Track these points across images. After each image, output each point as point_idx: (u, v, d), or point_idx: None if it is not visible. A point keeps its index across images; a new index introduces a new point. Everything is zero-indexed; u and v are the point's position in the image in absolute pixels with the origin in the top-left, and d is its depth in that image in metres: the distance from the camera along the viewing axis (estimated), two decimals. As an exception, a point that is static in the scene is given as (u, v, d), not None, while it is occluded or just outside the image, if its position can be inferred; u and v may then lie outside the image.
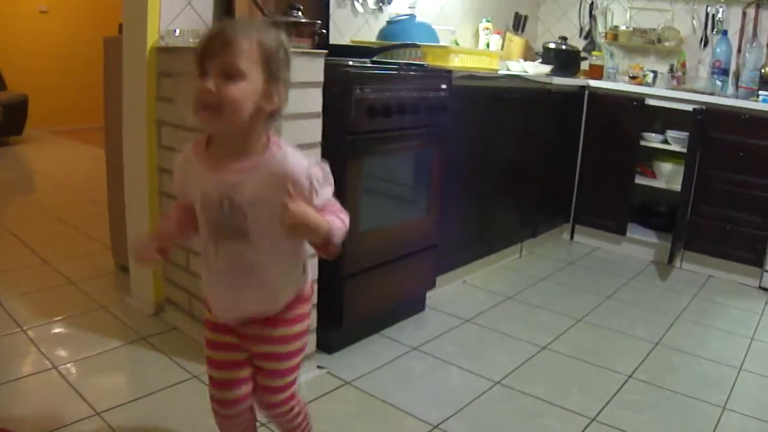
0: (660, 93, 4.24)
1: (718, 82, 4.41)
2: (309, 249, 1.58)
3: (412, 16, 3.81)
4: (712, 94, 4.18)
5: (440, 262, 3.26)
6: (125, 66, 2.87)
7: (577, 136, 4.58)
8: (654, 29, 4.79)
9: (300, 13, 2.66)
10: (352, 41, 3.70)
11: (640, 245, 4.48)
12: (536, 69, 4.23)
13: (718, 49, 4.47)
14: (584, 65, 4.86)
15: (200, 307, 2.50)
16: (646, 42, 4.82)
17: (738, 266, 4.08)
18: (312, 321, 2.49)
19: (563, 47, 4.72)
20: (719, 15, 4.53)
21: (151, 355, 2.60)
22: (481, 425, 2.29)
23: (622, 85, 4.46)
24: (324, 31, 3.12)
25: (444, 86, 3.00)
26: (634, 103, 4.27)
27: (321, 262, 2.48)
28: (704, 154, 4.08)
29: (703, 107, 4.02)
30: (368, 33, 3.83)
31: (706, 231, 4.15)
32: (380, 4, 3.88)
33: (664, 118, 4.35)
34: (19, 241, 3.86)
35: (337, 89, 2.45)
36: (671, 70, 4.68)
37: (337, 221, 1.43)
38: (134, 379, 2.47)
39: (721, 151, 4.02)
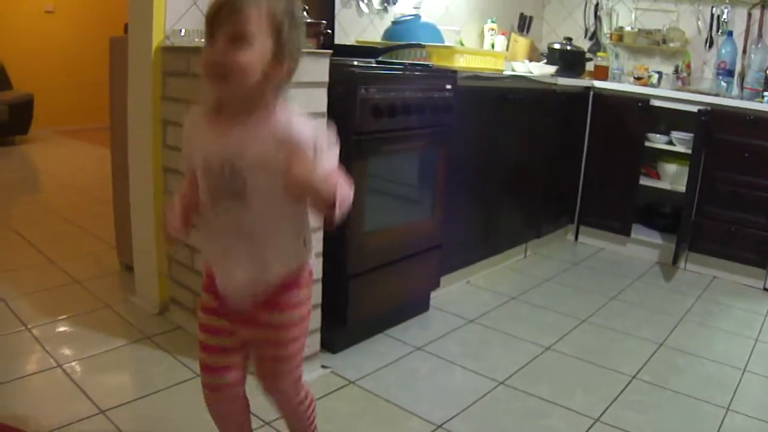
0: (665, 94, 4.24)
1: (723, 83, 4.41)
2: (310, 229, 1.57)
3: (417, 17, 3.81)
4: (717, 95, 4.17)
5: (445, 262, 3.27)
6: (131, 66, 2.87)
7: (582, 136, 4.57)
8: (659, 30, 4.78)
9: (305, 13, 2.67)
10: (357, 41, 3.71)
11: (644, 246, 4.48)
12: (541, 69, 4.23)
13: (723, 50, 4.47)
14: (589, 66, 4.86)
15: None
16: (651, 43, 4.81)
17: (742, 267, 4.07)
18: (315, 320, 2.50)
19: (568, 48, 4.72)
20: (724, 16, 4.52)
21: (156, 354, 2.61)
22: (484, 425, 2.29)
23: (627, 86, 4.45)
24: (329, 31, 3.13)
25: (449, 86, 3.00)
26: (639, 104, 4.27)
27: (325, 261, 2.49)
28: (709, 155, 4.08)
29: (708, 108, 4.01)
30: (373, 33, 3.84)
31: (710, 232, 4.14)
32: (385, 4, 3.88)
33: (669, 119, 4.34)
34: (25, 241, 3.87)
35: (342, 89, 2.46)
36: (676, 71, 4.67)
37: (342, 190, 1.39)
38: (139, 377, 2.48)
39: (726, 152, 4.01)
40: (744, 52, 4.47)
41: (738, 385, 2.73)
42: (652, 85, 4.54)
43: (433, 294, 3.29)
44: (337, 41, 3.51)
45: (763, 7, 4.38)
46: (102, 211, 4.20)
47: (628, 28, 4.92)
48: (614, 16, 5.07)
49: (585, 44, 5.04)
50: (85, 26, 8.41)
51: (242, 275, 1.49)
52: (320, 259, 2.48)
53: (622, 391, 2.60)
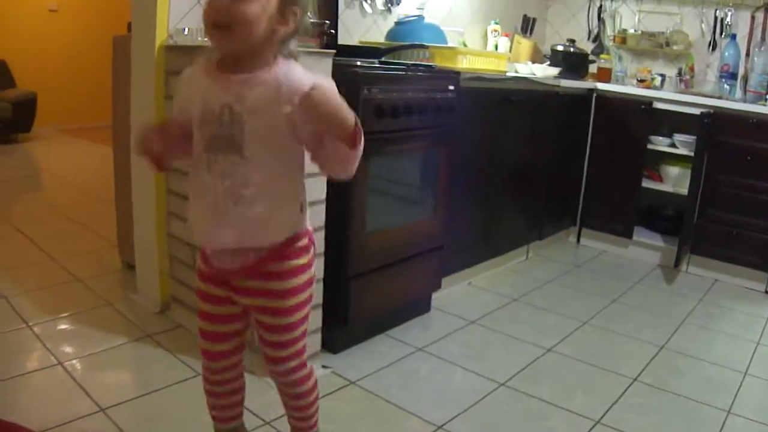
0: (668, 96, 4.24)
1: (726, 86, 4.40)
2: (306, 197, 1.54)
3: (421, 17, 3.81)
4: (720, 97, 4.17)
5: (446, 263, 3.26)
6: (134, 64, 2.87)
7: (585, 138, 4.57)
8: (662, 33, 4.78)
9: (308, 13, 2.66)
10: (361, 42, 3.71)
11: (646, 249, 4.47)
12: (544, 71, 4.23)
13: (726, 53, 4.46)
14: (592, 68, 4.85)
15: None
16: (655, 45, 4.81)
17: (744, 270, 4.07)
18: (316, 320, 2.50)
19: (571, 50, 4.71)
20: (728, 19, 4.52)
21: (157, 352, 2.61)
22: (485, 427, 2.29)
23: (630, 89, 4.45)
24: (332, 31, 3.13)
25: (452, 87, 3.00)
26: (642, 106, 4.27)
27: (327, 261, 2.49)
28: (711, 157, 4.08)
29: (711, 111, 4.01)
30: (377, 34, 3.84)
31: (712, 235, 4.14)
32: (389, 5, 3.88)
33: (672, 122, 4.34)
34: (27, 239, 3.87)
35: (345, 89, 2.44)
36: (679, 73, 4.67)
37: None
38: (139, 376, 2.48)
39: (729, 155, 4.01)
40: (747, 55, 4.46)
41: (739, 388, 2.72)
42: (655, 88, 4.54)
43: (434, 295, 3.29)
44: (340, 41, 3.51)
45: (766, 11, 4.38)
46: (104, 210, 4.20)
47: (632, 31, 4.92)
48: (617, 19, 5.06)
49: (588, 46, 5.03)
50: (89, 25, 8.42)
51: (231, 237, 1.46)
52: (322, 259, 2.48)
53: (623, 393, 2.59)
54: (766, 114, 3.87)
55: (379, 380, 2.54)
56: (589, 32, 5.17)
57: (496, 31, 4.57)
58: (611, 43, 5.03)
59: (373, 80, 2.56)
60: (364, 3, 3.74)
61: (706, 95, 4.22)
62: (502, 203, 3.79)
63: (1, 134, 6.91)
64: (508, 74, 3.80)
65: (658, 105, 4.23)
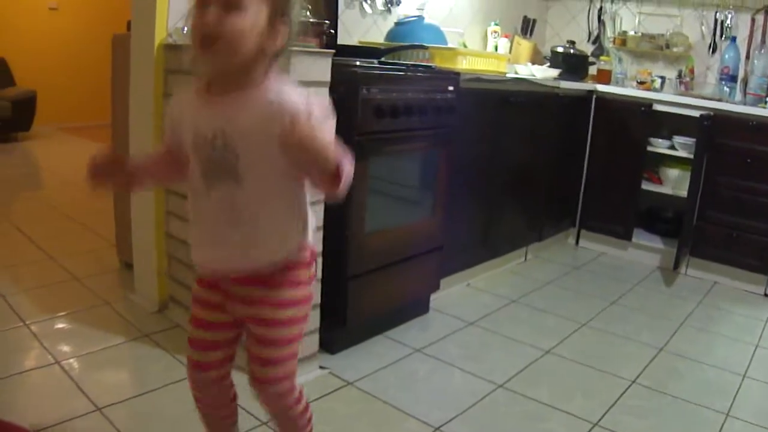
0: (668, 98, 4.23)
1: (726, 89, 4.40)
2: (310, 211, 1.51)
3: (421, 18, 3.81)
4: (720, 100, 4.17)
5: (445, 264, 3.26)
6: (133, 63, 2.87)
7: (584, 140, 4.57)
8: (662, 35, 4.78)
9: (308, 13, 2.66)
10: (360, 42, 3.70)
11: (645, 251, 4.47)
12: (544, 73, 4.22)
13: (726, 56, 4.46)
14: (592, 70, 4.84)
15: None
16: (655, 47, 4.81)
17: (744, 273, 4.06)
18: (314, 320, 2.50)
19: (571, 51, 4.71)
20: (728, 21, 4.52)
21: (154, 352, 2.60)
22: (483, 428, 2.28)
23: (630, 91, 4.44)
24: (332, 31, 3.13)
25: (451, 88, 3.00)
26: (642, 108, 4.26)
27: (325, 262, 2.48)
28: (711, 160, 4.07)
29: (711, 113, 4.01)
30: (376, 34, 3.83)
31: (712, 237, 4.13)
32: (389, 5, 3.88)
33: (672, 124, 4.34)
34: (25, 237, 3.87)
35: (344, 89, 2.45)
36: (679, 75, 4.67)
37: (344, 158, 1.29)
38: (136, 375, 2.47)
39: (729, 158, 4.01)
40: (747, 57, 4.46)
41: (738, 390, 2.72)
42: (655, 90, 4.54)
43: (433, 296, 3.28)
44: (340, 42, 3.50)
45: (766, 13, 4.37)
46: (103, 209, 4.19)
47: (632, 33, 4.92)
48: (618, 20, 5.06)
49: (588, 48, 5.03)
50: (89, 23, 8.42)
51: (233, 258, 1.44)
52: (320, 260, 2.47)
53: (622, 395, 2.59)
54: (765, 116, 3.86)
55: (377, 381, 2.54)
56: (589, 34, 5.17)
57: (496, 32, 4.57)
58: (611, 45, 5.03)
59: (373, 80, 2.55)
60: (364, 3, 3.74)
61: (706, 97, 4.22)
62: (501, 204, 3.78)
63: (0, 132, 6.90)
64: (508, 75, 3.80)
65: (657, 107, 4.23)
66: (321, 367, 2.58)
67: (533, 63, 4.52)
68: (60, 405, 2.16)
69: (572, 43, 4.79)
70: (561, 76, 4.31)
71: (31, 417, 2.07)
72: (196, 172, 1.41)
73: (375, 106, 2.56)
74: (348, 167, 1.28)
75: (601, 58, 4.89)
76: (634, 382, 2.71)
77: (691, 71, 4.63)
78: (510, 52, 4.62)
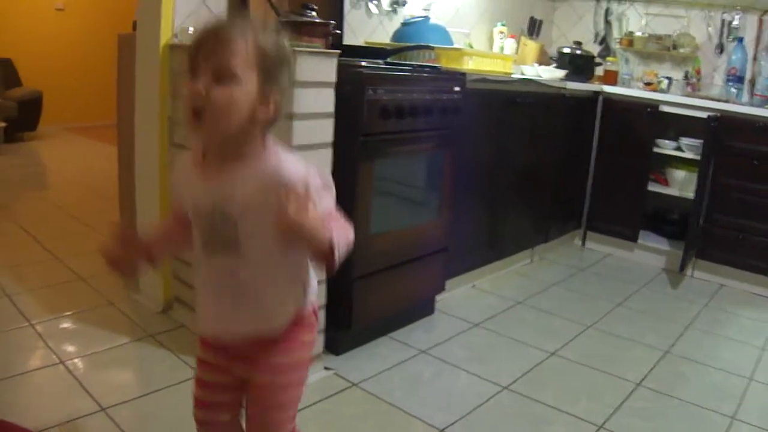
0: (674, 100, 4.22)
1: (733, 90, 4.39)
2: (311, 271, 1.48)
3: (427, 18, 3.80)
4: (726, 101, 4.15)
5: (450, 265, 3.25)
6: (138, 63, 2.87)
7: (591, 141, 4.56)
8: (669, 36, 4.76)
9: (314, 13, 2.66)
10: (366, 42, 3.70)
11: (651, 253, 4.45)
12: (550, 73, 4.21)
13: (733, 57, 4.45)
14: (599, 71, 4.83)
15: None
16: (661, 48, 4.79)
17: (750, 276, 4.04)
18: (320, 321, 2.49)
19: (578, 52, 4.70)
20: (735, 22, 4.50)
21: (159, 352, 2.60)
22: (487, 431, 2.28)
23: (637, 92, 4.43)
24: (338, 31, 3.12)
25: (457, 89, 2.99)
26: (648, 109, 4.25)
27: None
28: (718, 161, 4.06)
29: (718, 115, 3.99)
30: (382, 34, 3.83)
31: (718, 239, 4.12)
32: (395, 5, 3.88)
33: (678, 125, 4.32)
34: (31, 237, 3.87)
35: (350, 90, 2.45)
36: (686, 76, 4.66)
37: (340, 232, 1.29)
38: (141, 375, 2.47)
39: (735, 159, 3.99)
40: (754, 58, 4.44)
41: (744, 394, 2.70)
42: (662, 91, 4.53)
43: (438, 297, 3.27)
44: (346, 42, 3.50)
45: (774, 14, 4.37)
46: (109, 209, 4.20)
47: (639, 33, 4.90)
48: (624, 21, 5.05)
49: (595, 49, 5.02)
50: (96, 24, 8.43)
51: (240, 327, 1.42)
52: (322, 282, 2.47)
53: (627, 398, 2.58)
54: (773, 118, 3.85)
55: (381, 383, 2.53)
56: (596, 35, 5.16)
57: (502, 32, 4.56)
58: (618, 46, 5.02)
59: (378, 81, 2.55)
60: (369, 3, 3.73)
61: (713, 99, 4.20)
62: (507, 206, 3.77)
63: (7, 133, 6.91)
64: (514, 76, 3.79)
65: (664, 108, 4.22)
66: (326, 368, 2.57)
67: (540, 64, 4.51)
68: (64, 405, 2.16)
69: (579, 43, 4.78)
70: (567, 77, 4.30)
71: (35, 417, 2.07)
72: (198, 241, 1.41)
73: (381, 107, 2.56)
74: (345, 238, 1.28)
75: (608, 58, 4.88)
76: (639, 384, 2.70)
77: (698, 72, 4.62)
78: (516, 52, 4.61)
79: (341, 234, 1.28)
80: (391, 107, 2.60)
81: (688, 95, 4.37)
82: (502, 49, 4.55)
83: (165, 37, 2.68)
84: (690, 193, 4.15)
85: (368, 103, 2.50)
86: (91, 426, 2.06)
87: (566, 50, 4.72)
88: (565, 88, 4.08)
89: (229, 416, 1.57)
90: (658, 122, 4.27)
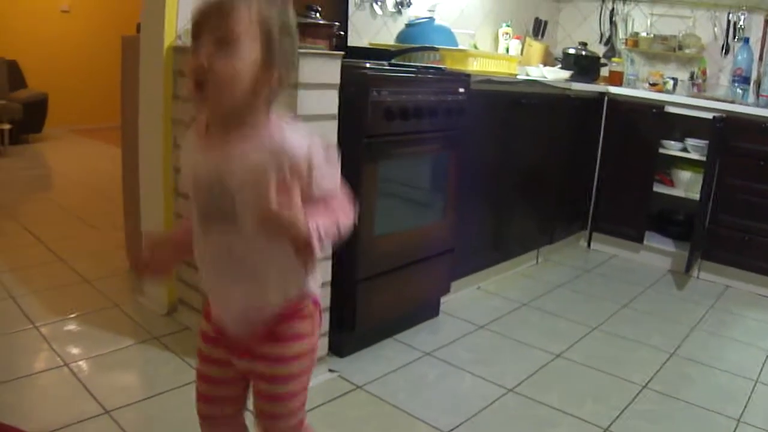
0: (680, 100, 4.20)
1: (739, 90, 4.37)
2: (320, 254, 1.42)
3: (431, 20, 3.80)
4: (732, 102, 4.14)
5: (455, 267, 3.24)
6: (142, 65, 2.87)
7: (596, 142, 4.54)
8: (675, 36, 4.75)
9: (318, 15, 2.66)
10: (371, 44, 3.70)
11: (657, 254, 4.44)
12: (556, 74, 4.21)
13: (739, 57, 4.43)
14: (604, 71, 4.82)
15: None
16: (667, 49, 4.78)
17: (756, 277, 4.03)
18: (324, 323, 2.48)
19: (583, 53, 4.69)
20: (741, 22, 4.49)
21: (163, 355, 2.60)
22: (492, 433, 2.27)
23: (642, 92, 4.42)
24: (342, 33, 3.12)
25: (462, 90, 2.98)
26: (654, 110, 4.24)
27: (335, 264, 2.48)
28: (724, 162, 4.04)
29: (724, 115, 3.98)
30: (387, 36, 3.83)
31: (724, 241, 4.10)
32: (399, 6, 3.87)
33: (684, 126, 4.31)
34: (35, 238, 3.87)
35: (354, 91, 2.44)
36: (692, 77, 4.64)
37: (327, 222, 1.25)
38: (145, 378, 2.47)
39: (741, 160, 3.98)
40: (760, 59, 4.43)
41: (750, 396, 2.69)
42: (667, 92, 4.51)
43: (443, 299, 3.27)
44: (350, 43, 3.50)
45: (780, 14, 4.35)
46: (113, 210, 4.20)
47: (644, 34, 4.89)
48: (630, 22, 5.04)
49: (600, 49, 5.01)
50: (101, 26, 8.43)
51: (237, 304, 1.40)
52: (329, 263, 2.46)
53: (633, 400, 2.57)
54: (779, 119, 3.84)
55: (386, 385, 2.52)
56: (601, 35, 5.14)
57: (507, 33, 4.56)
58: (623, 47, 5.01)
59: (382, 82, 2.54)
60: (374, 4, 3.73)
61: (719, 99, 4.19)
62: (512, 207, 3.77)
63: (12, 134, 6.92)
64: (519, 77, 3.79)
65: (670, 109, 4.20)
66: (330, 371, 2.57)
67: (545, 64, 4.50)
68: (69, 407, 2.16)
69: (584, 44, 4.77)
70: (572, 78, 4.29)
71: (39, 419, 2.07)
72: (195, 215, 1.38)
73: (385, 108, 2.55)
74: (331, 231, 1.26)
75: (613, 59, 4.87)
76: (645, 386, 2.69)
77: (704, 73, 4.60)
78: (521, 53, 4.61)
79: (328, 222, 1.25)
80: (396, 109, 2.59)
81: (693, 96, 4.36)
82: (507, 50, 4.54)
83: (169, 39, 2.68)
84: (696, 194, 4.14)
85: (372, 105, 2.49)
86: (95, 429, 2.06)
87: (571, 51, 4.71)
88: (570, 89, 4.07)
89: (232, 410, 1.55)
90: (663, 123, 4.25)
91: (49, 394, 2.25)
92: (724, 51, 4.61)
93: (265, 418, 1.49)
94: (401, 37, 3.76)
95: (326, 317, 2.50)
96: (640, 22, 4.99)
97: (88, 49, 8.45)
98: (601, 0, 5.11)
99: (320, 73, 2.26)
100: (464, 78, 3.04)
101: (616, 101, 4.44)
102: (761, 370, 2.95)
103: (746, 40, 4.43)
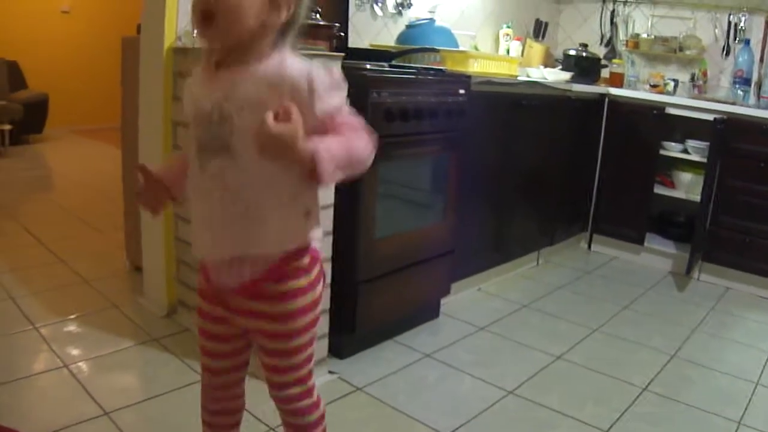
0: (681, 102, 4.20)
1: (740, 92, 4.37)
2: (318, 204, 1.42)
3: (432, 21, 3.79)
4: (733, 103, 4.13)
5: (456, 268, 3.24)
6: (142, 66, 2.87)
7: (597, 144, 4.54)
8: (675, 37, 4.75)
9: (318, 16, 2.65)
10: (371, 45, 3.69)
11: (658, 255, 4.44)
12: (556, 76, 4.21)
13: (740, 58, 4.43)
14: (604, 73, 4.82)
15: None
16: (668, 50, 4.78)
17: (757, 279, 4.02)
18: (323, 325, 2.48)
19: (584, 54, 4.69)
20: (742, 24, 4.48)
21: (163, 356, 2.59)
22: (492, 435, 2.27)
23: (643, 94, 4.42)
24: (342, 34, 3.11)
25: (462, 91, 2.98)
26: (654, 111, 4.24)
27: (335, 266, 2.47)
28: (724, 164, 4.04)
29: (724, 117, 3.98)
30: (387, 37, 3.82)
31: (725, 242, 4.10)
32: (400, 8, 3.87)
33: (685, 128, 4.31)
34: (35, 239, 3.87)
35: (354, 93, 2.42)
36: (692, 78, 4.64)
37: (337, 146, 1.22)
38: (145, 379, 2.46)
39: (742, 162, 3.97)
40: (761, 60, 4.42)
41: (750, 398, 2.69)
42: (668, 93, 4.51)
43: (443, 301, 3.26)
44: (351, 44, 3.50)
45: (781, 16, 4.35)
46: (114, 211, 4.20)
47: (645, 35, 4.88)
48: (630, 23, 5.03)
49: (600, 51, 5.00)
50: (101, 27, 8.44)
51: (227, 247, 1.36)
52: (329, 264, 2.46)
53: (633, 402, 2.56)
54: (780, 120, 3.84)
55: (386, 387, 2.52)
56: (602, 36, 5.14)
57: (508, 35, 4.56)
58: (624, 48, 5.01)
59: (382, 84, 2.54)
60: (374, 6, 3.72)
61: (720, 101, 4.19)
62: (512, 208, 3.76)
63: (12, 135, 6.92)
64: (520, 78, 3.78)
65: (670, 110, 4.20)
66: (330, 372, 2.57)
67: (545, 66, 4.50)
68: (68, 409, 2.15)
69: (584, 45, 4.76)
70: (573, 79, 4.29)
71: (38, 420, 2.06)
72: (193, 148, 1.36)
73: (385, 110, 2.55)
74: (339, 152, 1.22)
75: (614, 61, 4.87)
76: (645, 389, 2.68)
77: (704, 74, 4.60)
78: (522, 55, 4.60)
79: (338, 146, 1.23)
80: (396, 110, 2.59)
81: (694, 97, 4.36)
82: (507, 51, 4.54)
83: (169, 40, 2.68)
84: (696, 196, 4.13)
85: (372, 106, 2.49)
86: (94, 430, 2.06)
87: (572, 52, 4.70)
88: (570, 91, 4.07)
89: (230, 364, 1.55)
90: (664, 124, 4.25)
91: (48, 396, 2.24)
92: (724, 52, 4.60)
93: (270, 372, 1.48)
94: (402, 38, 3.76)
95: (326, 319, 2.49)
96: (641, 23, 4.99)
97: (89, 49, 8.47)
98: (602, 1, 5.11)
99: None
100: (465, 79, 3.03)
101: (616, 103, 4.44)
102: (762, 372, 2.94)
103: (747, 42, 4.42)
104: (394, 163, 2.70)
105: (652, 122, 4.26)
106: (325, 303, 2.48)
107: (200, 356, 1.56)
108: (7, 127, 6.72)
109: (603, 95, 4.46)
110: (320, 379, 2.48)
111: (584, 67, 4.63)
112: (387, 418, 2.31)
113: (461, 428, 2.27)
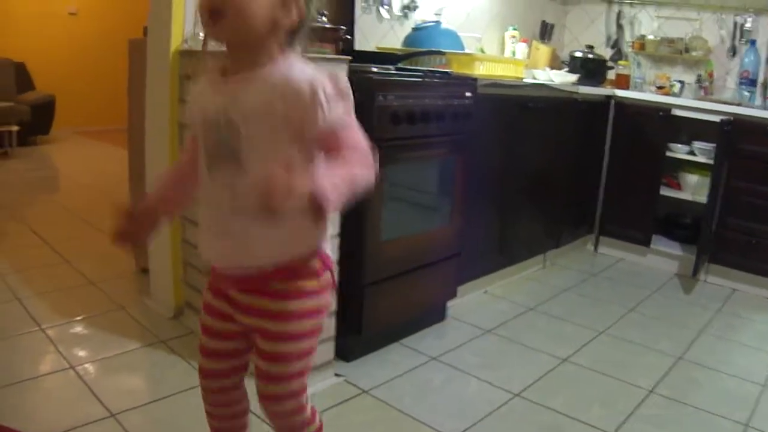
0: (687, 103, 4.19)
1: (746, 93, 4.36)
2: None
3: (438, 23, 3.79)
4: (739, 105, 4.12)
5: (462, 271, 3.24)
6: (149, 68, 2.87)
7: (603, 145, 4.53)
8: (681, 39, 4.74)
9: (324, 18, 2.65)
10: (377, 47, 3.69)
11: (664, 257, 4.43)
12: (562, 78, 4.20)
13: (746, 60, 4.42)
14: (611, 74, 4.82)
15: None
16: (674, 51, 4.77)
17: (764, 280, 4.01)
18: (330, 327, 2.48)
19: (590, 56, 4.68)
20: (748, 24, 4.47)
21: (170, 358, 2.60)
22: (499, 438, 2.27)
23: (649, 95, 4.41)
24: (348, 36, 3.11)
25: (468, 94, 2.98)
26: (661, 113, 4.23)
27: (342, 269, 2.47)
28: (731, 165, 4.03)
29: (731, 118, 3.97)
30: (393, 39, 3.82)
31: (731, 244, 4.09)
32: (406, 10, 3.87)
33: (691, 129, 4.30)
34: (42, 240, 3.88)
35: (360, 96, 2.43)
36: (698, 80, 4.63)
37: (341, 179, 1.18)
38: (151, 381, 2.47)
39: (749, 163, 3.96)
40: (767, 61, 4.42)
41: (758, 401, 2.68)
42: (674, 95, 4.50)
43: (450, 303, 3.26)
44: (357, 47, 3.50)
45: (788, 17, 4.33)
46: (119, 213, 4.20)
47: (651, 37, 4.87)
48: (636, 25, 5.02)
49: (607, 52, 5.00)
50: (108, 29, 8.45)
51: (236, 255, 1.36)
52: (337, 267, 2.46)
53: (640, 405, 2.56)
54: (787, 122, 3.83)
55: (392, 389, 2.52)
56: (608, 38, 5.13)
57: (514, 37, 4.55)
58: (630, 50, 5.00)
59: (388, 87, 2.54)
60: (381, 8, 3.73)
61: (726, 102, 4.18)
62: (519, 211, 3.76)
63: (20, 136, 6.94)
64: (526, 81, 3.78)
65: (676, 112, 4.19)
66: (336, 375, 2.56)
67: (551, 68, 4.50)
68: (74, 410, 2.16)
69: (591, 47, 4.76)
70: (579, 81, 4.29)
71: (44, 422, 2.07)
72: (202, 156, 1.35)
73: (391, 113, 2.55)
74: (338, 182, 1.17)
75: (620, 62, 4.87)
76: (652, 391, 2.68)
77: (711, 75, 4.59)
78: (528, 57, 4.60)
79: (342, 178, 1.18)
80: (402, 113, 2.59)
81: (700, 99, 4.35)
82: (513, 53, 4.53)
83: (175, 42, 2.68)
84: (702, 198, 4.12)
85: (378, 109, 2.49)
86: (101, 432, 2.06)
87: (578, 54, 4.70)
88: (577, 93, 4.06)
89: (230, 365, 1.53)
90: (670, 126, 4.24)
91: (54, 397, 2.25)
92: (730, 53, 4.59)
93: (263, 380, 1.44)
94: (408, 40, 3.76)
95: (332, 321, 2.50)
96: (647, 24, 4.98)
97: (96, 51, 8.48)
98: (608, 3, 5.11)
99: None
100: (471, 82, 3.03)
101: (622, 104, 4.43)
102: (769, 375, 2.94)
103: (753, 43, 4.41)
104: (400, 166, 2.70)
105: (659, 124, 4.25)
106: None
107: (200, 359, 1.55)
108: (15, 128, 6.73)
109: (609, 97, 4.46)
110: (326, 382, 2.49)
111: (590, 68, 4.62)
112: (393, 420, 2.31)
113: (467, 431, 2.27)
